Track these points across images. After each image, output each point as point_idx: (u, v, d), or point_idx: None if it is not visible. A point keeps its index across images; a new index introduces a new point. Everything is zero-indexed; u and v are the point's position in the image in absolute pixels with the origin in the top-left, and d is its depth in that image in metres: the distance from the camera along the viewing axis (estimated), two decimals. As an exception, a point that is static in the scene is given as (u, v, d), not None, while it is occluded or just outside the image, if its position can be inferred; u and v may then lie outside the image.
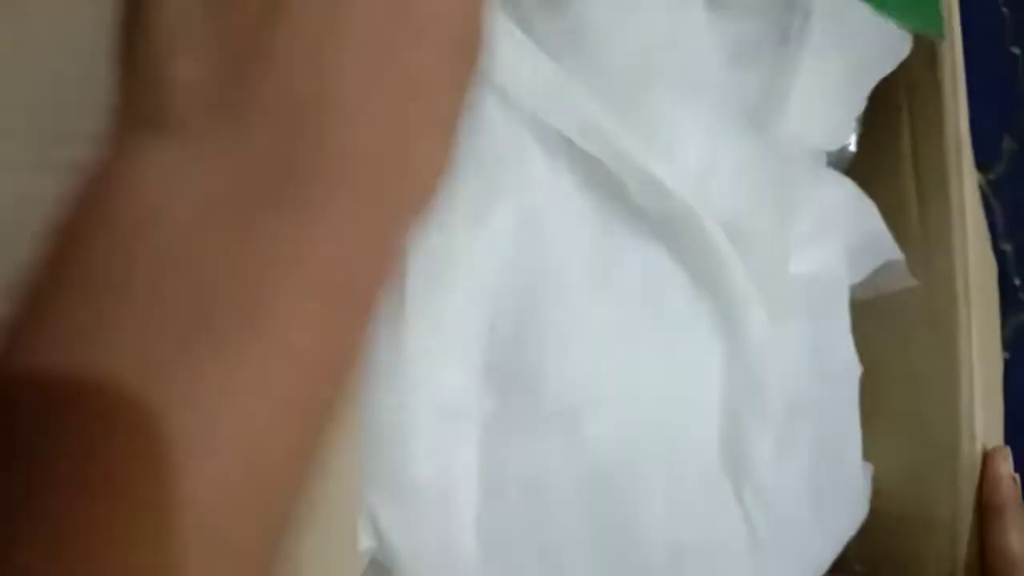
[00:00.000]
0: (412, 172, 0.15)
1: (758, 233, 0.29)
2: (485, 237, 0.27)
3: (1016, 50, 0.56)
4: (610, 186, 0.28)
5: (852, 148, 0.34)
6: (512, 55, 0.27)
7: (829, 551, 0.31)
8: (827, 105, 0.31)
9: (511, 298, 0.27)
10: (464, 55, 0.16)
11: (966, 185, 0.33)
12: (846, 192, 0.32)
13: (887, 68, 0.32)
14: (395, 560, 0.26)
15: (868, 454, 0.33)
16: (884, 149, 0.34)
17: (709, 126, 0.30)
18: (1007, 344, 0.51)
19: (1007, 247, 0.53)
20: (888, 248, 0.32)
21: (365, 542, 0.25)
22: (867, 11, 0.31)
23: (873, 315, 0.34)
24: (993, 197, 0.53)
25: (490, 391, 0.27)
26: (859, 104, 0.32)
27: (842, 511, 0.32)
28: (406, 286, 0.26)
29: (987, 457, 0.32)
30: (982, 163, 0.45)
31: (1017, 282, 0.53)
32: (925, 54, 0.34)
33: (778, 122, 0.30)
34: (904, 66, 0.33)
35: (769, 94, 0.30)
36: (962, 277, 0.33)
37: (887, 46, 0.32)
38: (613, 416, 0.27)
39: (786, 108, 0.30)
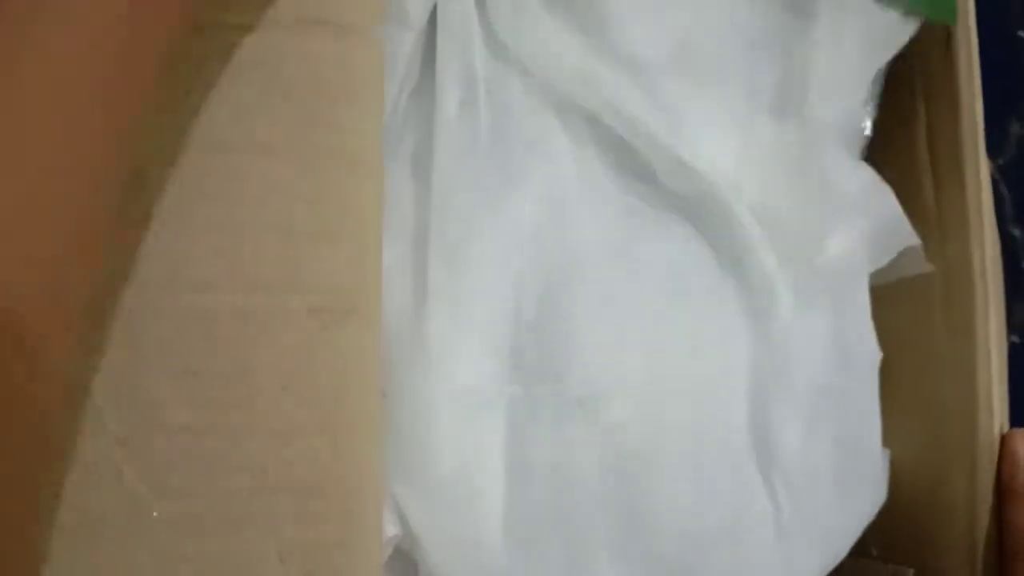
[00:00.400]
0: None
1: (786, 218, 0.29)
2: (508, 222, 0.27)
3: (1023, 34, 0.56)
4: (637, 169, 0.28)
5: (868, 132, 0.34)
6: (542, 36, 0.27)
7: (850, 534, 0.31)
8: (844, 87, 0.31)
9: (535, 284, 0.27)
10: None
11: (982, 169, 0.33)
12: (865, 178, 0.32)
13: (899, 44, 0.32)
14: (420, 548, 0.26)
15: (886, 437, 0.33)
16: (899, 133, 0.34)
17: (736, 111, 0.30)
18: (1016, 328, 0.51)
19: (1016, 232, 0.53)
20: (907, 234, 0.32)
21: (390, 530, 0.25)
22: None
23: (888, 299, 0.34)
24: (1001, 182, 0.53)
25: (514, 378, 0.27)
26: (873, 83, 0.32)
27: (863, 495, 0.32)
28: (428, 274, 0.26)
29: (1006, 439, 0.32)
30: (990, 149, 0.45)
31: (1027, 267, 0.53)
32: (941, 38, 0.33)
33: (801, 106, 0.30)
34: (920, 50, 0.33)
35: (790, 79, 0.30)
36: (979, 260, 0.32)
37: (898, 22, 0.32)
38: (638, 401, 0.27)
39: (807, 92, 0.30)
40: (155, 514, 0.21)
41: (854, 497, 0.31)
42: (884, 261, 0.32)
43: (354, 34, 0.23)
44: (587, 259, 0.27)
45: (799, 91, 0.30)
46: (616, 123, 0.27)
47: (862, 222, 0.31)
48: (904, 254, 0.33)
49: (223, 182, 0.22)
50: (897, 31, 0.32)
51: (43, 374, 0.16)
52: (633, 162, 0.28)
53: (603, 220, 0.28)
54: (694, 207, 0.29)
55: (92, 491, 0.21)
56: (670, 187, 0.28)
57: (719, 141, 0.29)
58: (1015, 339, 0.51)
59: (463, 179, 0.26)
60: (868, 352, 0.32)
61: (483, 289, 0.26)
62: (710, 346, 0.29)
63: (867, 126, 0.34)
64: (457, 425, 0.26)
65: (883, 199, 0.32)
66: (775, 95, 0.31)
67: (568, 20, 0.28)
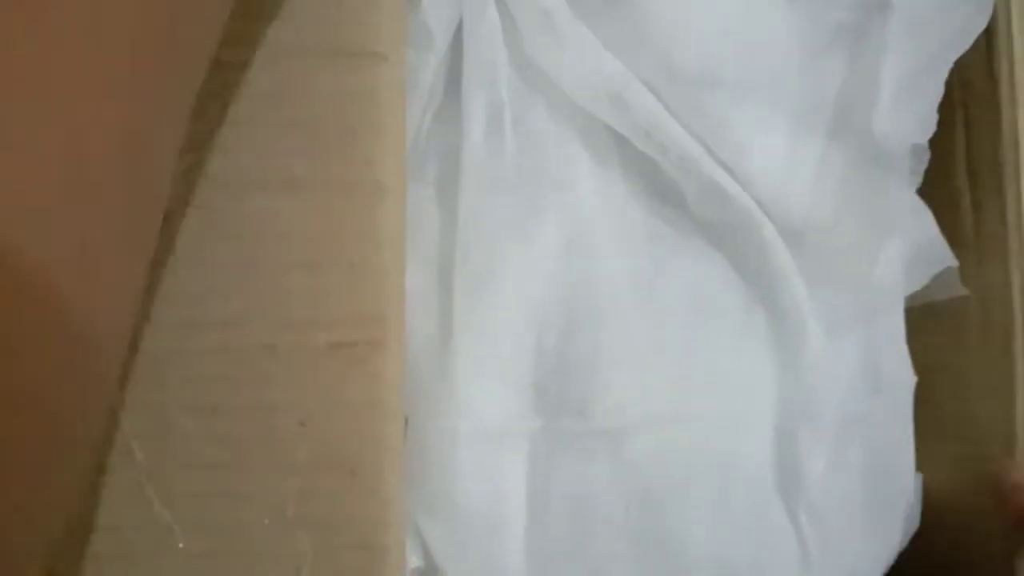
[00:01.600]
0: None
1: (826, 241, 0.28)
2: (532, 251, 0.26)
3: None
4: (664, 194, 0.28)
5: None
6: (573, 53, 0.26)
7: (880, 564, 0.31)
8: (916, 94, 0.29)
9: (558, 315, 0.27)
10: None
11: (1023, 187, 0.32)
12: (904, 198, 0.31)
13: (964, 46, 0.30)
14: (443, 579, 0.26)
15: (920, 462, 0.32)
16: (937, 150, 0.33)
17: (788, 123, 0.28)
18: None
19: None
20: (944, 256, 0.31)
21: (413, 562, 0.25)
22: None
23: (922, 319, 0.33)
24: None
25: (537, 410, 0.27)
26: (940, 90, 0.30)
27: (894, 522, 0.31)
28: (454, 306, 0.25)
29: (1042, 466, 0.32)
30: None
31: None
32: (981, 51, 0.32)
33: (867, 117, 0.28)
34: (959, 63, 0.31)
35: (855, 87, 0.29)
36: (1018, 282, 0.32)
37: (963, 22, 0.30)
38: (661, 434, 0.27)
39: (876, 102, 0.28)
40: (181, 545, 0.22)
41: (884, 524, 0.31)
42: (921, 284, 0.31)
43: (375, 64, 0.22)
44: (611, 289, 0.27)
45: (866, 99, 0.28)
46: (647, 146, 0.27)
47: (900, 244, 0.30)
48: (939, 276, 0.32)
49: (246, 218, 0.22)
50: (973, 20, 0.30)
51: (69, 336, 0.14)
52: (661, 186, 0.28)
53: (628, 248, 0.27)
54: (723, 233, 0.28)
55: (125, 520, 0.21)
56: (699, 213, 0.28)
57: (762, 159, 0.28)
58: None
59: (488, 208, 0.26)
60: (902, 376, 0.32)
61: (507, 320, 0.26)
62: (736, 377, 0.28)
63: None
64: (481, 457, 0.26)
65: (921, 220, 0.31)
66: (834, 106, 0.29)
67: (605, 33, 0.27)
